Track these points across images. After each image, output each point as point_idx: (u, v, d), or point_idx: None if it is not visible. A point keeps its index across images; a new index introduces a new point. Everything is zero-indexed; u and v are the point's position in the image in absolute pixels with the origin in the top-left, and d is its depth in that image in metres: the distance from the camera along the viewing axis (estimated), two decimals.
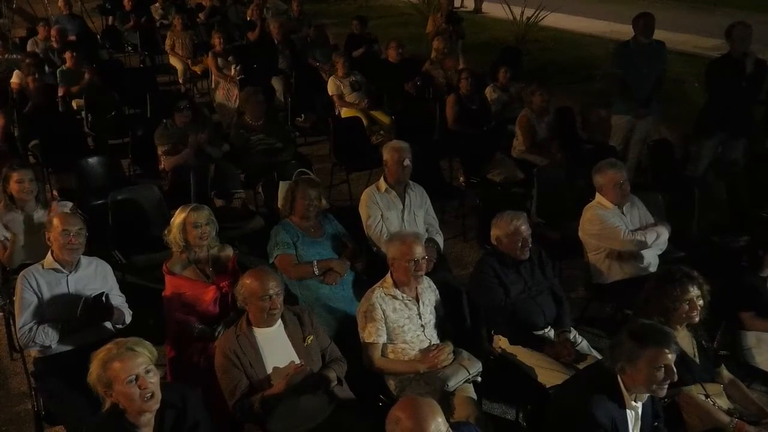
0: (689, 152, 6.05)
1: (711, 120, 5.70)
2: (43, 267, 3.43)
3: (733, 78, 5.43)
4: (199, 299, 3.51)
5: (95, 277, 3.52)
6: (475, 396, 3.26)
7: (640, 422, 2.72)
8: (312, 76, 8.16)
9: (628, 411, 2.66)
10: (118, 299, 3.53)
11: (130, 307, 3.57)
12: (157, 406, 2.44)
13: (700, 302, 3.03)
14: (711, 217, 4.91)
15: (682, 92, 8.07)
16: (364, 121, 6.83)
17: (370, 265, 4.21)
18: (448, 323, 3.50)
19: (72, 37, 9.18)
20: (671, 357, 2.55)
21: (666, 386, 2.58)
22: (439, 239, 4.40)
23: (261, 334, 3.04)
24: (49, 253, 3.47)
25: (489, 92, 7.03)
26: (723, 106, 5.54)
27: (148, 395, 2.39)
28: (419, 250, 3.32)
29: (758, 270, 3.63)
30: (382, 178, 4.41)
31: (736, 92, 5.47)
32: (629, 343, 2.59)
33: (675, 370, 2.55)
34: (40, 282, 3.36)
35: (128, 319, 3.52)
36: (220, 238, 3.76)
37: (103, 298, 3.33)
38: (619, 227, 3.97)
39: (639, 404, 2.68)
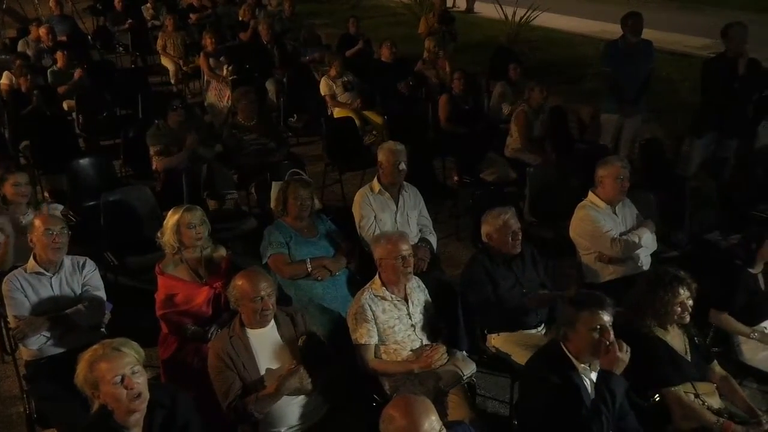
0: (681, 151, 6.07)
1: (706, 120, 5.71)
2: (26, 271, 3.43)
3: (729, 78, 5.45)
4: (192, 300, 3.50)
5: (77, 276, 3.51)
6: (469, 396, 3.27)
7: (595, 394, 2.77)
8: (304, 76, 8.15)
9: (582, 378, 2.74)
10: (93, 296, 3.49)
11: (123, 309, 3.57)
12: (145, 405, 2.43)
13: (690, 303, 3.06)
14: (702, 216, 4.93)
15: (672, 91, 8.12)
16: (357, 122, 6.83)
17: (363, 265, 4.21)
18: (441, 323, 3.50)
19: (63, 38, 9.14)
20: (606, 319, 2.70)
21: (604, 348, 2.68)
22: (433, 239, 4.40)
23: (254, 335, 3.04)
24: (32, 257, 3.47)
25: (498, 90, 7.02)
26: (719, 106, 5.56)
27: (134, 395, 2.38)
28: (405, 247, 3.34)
29: (751, 266, 3.65)
30: (375, 179, 4.40)
31: (732, 92, 5.48)
32: (568, 309, 2.79)
33: (611, 330, 2.68)
34: (24, 285, 3.38)
35: (101, 319, 3.50)
36: (213, 239, 3.75)
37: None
38: (608, 232, 3.98)
39: (593, 374, 2.77)
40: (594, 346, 2.68)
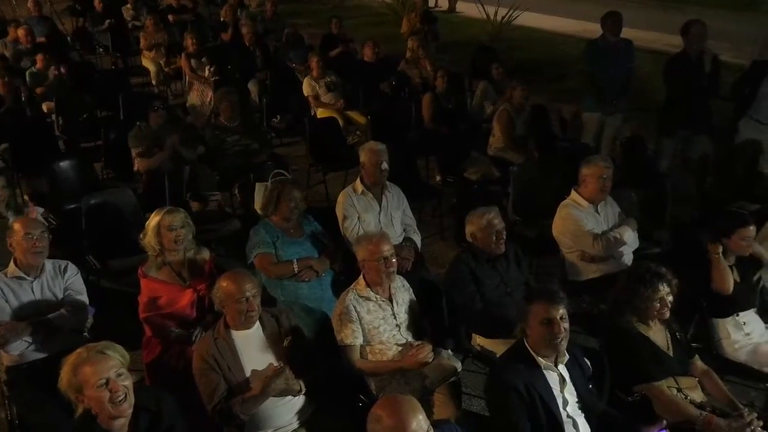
0: (648, 150, 6.13)
1: (672, 118, 5.77)
2: (6, 276, 3.39)
3: (692, 76, 5.50)
4: (176, 303, 3.47)
5: (59, 280, 3.48)
6: (455, 395, 3.28)
7: (571, 385, 2.81)
8: (287, 76, 8.12)
9: (547, 373, 2.78)
10: (76, 300, 3.46)
11: (106, 313, 3.52)
12: (130, 410, 2.41)
13: (670, 298, 3.10)
14: (683, 213, 4.99)
15: (653, 90, 8.19)
16: (340, 122, 6.83)
17: (347, 266, 4.21)
18: (426, 322, 3.51)
19: (42, 39, 9.03)
20: (555, 312, 2.74)
21: (560, 341, 2.74)
22: (417, 239, 4.41)
23: (239, 336, 3.03)
24: (12, 261, 3.42)
25: (480, 89, 7.04)
26: (683, 104, 5.60)
27: (119, 399, 2.35)
28: (387, 248, 3.34)
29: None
30: (358, 180, 4.40)
31: (695, 89, 5.53)
32: (523, 304, 2.86)
33: (561, 324, 2.73)
34: (5, 290, 3.33)
35: (83, 323, 3.48)
36: (197, 241, 3.73)
37: None
38: (590, 231, 4.01)
39: (561, 367, 2.80)
40: (545, 337, 2.73)
